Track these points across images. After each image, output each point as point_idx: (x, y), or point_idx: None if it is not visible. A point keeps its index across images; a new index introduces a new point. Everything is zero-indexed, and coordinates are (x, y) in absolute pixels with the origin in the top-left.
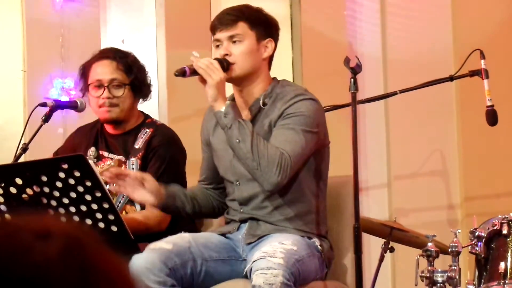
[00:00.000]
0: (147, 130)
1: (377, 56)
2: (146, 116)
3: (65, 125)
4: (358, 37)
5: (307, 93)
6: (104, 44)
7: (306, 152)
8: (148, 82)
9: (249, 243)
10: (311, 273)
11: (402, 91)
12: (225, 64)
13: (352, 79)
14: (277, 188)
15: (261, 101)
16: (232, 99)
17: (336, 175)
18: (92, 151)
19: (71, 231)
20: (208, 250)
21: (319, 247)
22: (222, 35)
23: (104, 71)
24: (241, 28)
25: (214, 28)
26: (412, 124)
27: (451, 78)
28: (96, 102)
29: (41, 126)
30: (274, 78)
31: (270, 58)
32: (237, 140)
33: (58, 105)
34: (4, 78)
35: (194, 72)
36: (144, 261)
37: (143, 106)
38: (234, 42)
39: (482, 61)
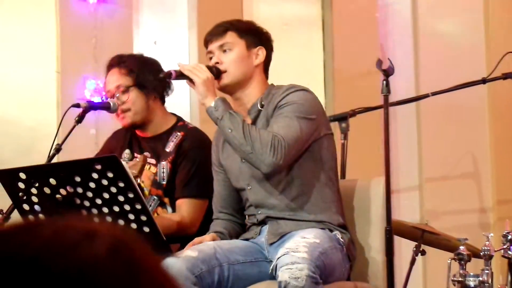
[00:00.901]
0: (178, 133)
1: (409, 58)
2: (179, 119)
3: (98, 126)
4: (390, 39)
5: (299, 86)
6: (137, 45)
7: (302, 137)
8: (156, 76)
9: (272, 243)
10: (336, 265)
11: (434, 94)
12: (214, 70)
13: (384, 81)
14: (274, 169)
15: (258, 104)
16: None
17: (368, 177)
18: (126, 153)
19: (118, 232)
20: (234, 254)
21: (341, 240)
22: (213, 46)
23: (111, 80)
24: (230, 37)
25: (206, 42)
26: (444, 126)
27: (483, 81)
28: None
29: (74, 127)
30: (271, 84)
31: (265, 66)
32: (229, 130)
33: (91, 106)
34: (38, 79)
35: (180, 75)
36: (170, 270)
37: (175, 108)
38: (225, 51)
39: None
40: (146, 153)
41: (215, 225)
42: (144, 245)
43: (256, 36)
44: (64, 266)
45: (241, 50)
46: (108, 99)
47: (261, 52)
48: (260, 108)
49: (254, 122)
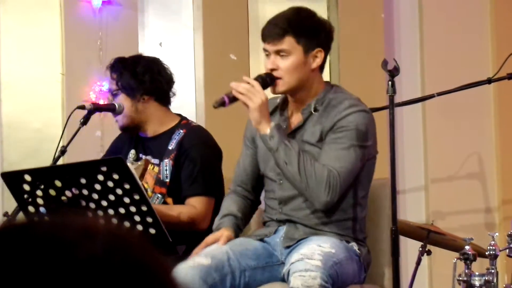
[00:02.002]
0: (181, 131)
1: (415, 58)
2: (182, 118)
3: (103, 127)
4: (396, 39)
5: (360, 104)
6: (142, 47)
7: (356, 168)
8: (142, 78)
9: (287, 247)
10: (349, 276)
11: (439, 94)
12: (268, 80)
13: (389, 82)
14: (328, 207)
15: (312, 107)
16: (284, 100)
17: (374, 178)
18: (132, 153)
19: (117, 231)
20: (246, 259)
21: (358, 251)
22: (269, 47)
23: (108, 85)
24: (288, 43)
25: (263, 38)
26: (449, 126)
27: (489, 81)
28: None
29: (79, 128)
30: (327, 83)
31: (323, 65)
32: (285, 163)
33: (96, 108)
34: (43, 81)
35: (233, 99)
36: (184, 279)
37: (181, 108)
38: (282, 56)
39: None
40: (148, 157)
41: (231, 201)
42: (145, 243)
43: (314, 38)
44: (61, 268)
45: (298, 57)
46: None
47: (319, 55)
48: (313, 111)
49: (304, 123)
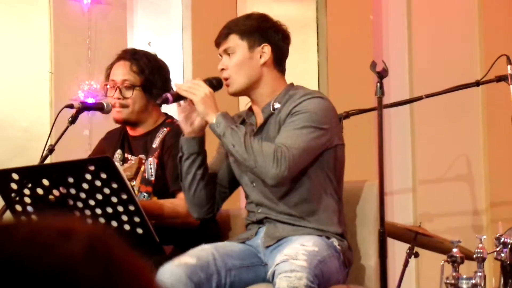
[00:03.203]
0: (165, 129)
1: (403, 60)
2: (168, 117)
3: (91, 126)
4: (384, 41)
5: (317, 93)
6: (131, 46)
7: (310, 147)
8: (164, 84)
9: (268, 246)
10: (332, 273)
11: (428, 96)
12: (215, 82)
13: (378, 84)
14: (279, 180)
15: (271, 105)
16: (250, 108)
17: (361, 179)
18: (118, 153)
19: (95, 231)
20: (231, 259)
21: (338, 247)
22: (220, 49)
23: (118, 72)
24: (232, 40)
25: (215, 44)
26: (437, 129)
27: (477, 83)
28: (110, 102)
29: (67, 127)
30: (291, 84)
31: (277, 61)
32: (232, 145)
33: (85, 107)
34: (31, 79)
35: (178, 97)
36: (170, 277)
37: (169, 108)
38: (229, 55)
39: (509, 66)
40: (142, 156)
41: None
42: (123, 244)
43: (259, 34)
44: (40, 267)
45: (242, 52)
46: (102, 99)
47: (266, 49)
48: (272, 111)
49: (265, 122)
